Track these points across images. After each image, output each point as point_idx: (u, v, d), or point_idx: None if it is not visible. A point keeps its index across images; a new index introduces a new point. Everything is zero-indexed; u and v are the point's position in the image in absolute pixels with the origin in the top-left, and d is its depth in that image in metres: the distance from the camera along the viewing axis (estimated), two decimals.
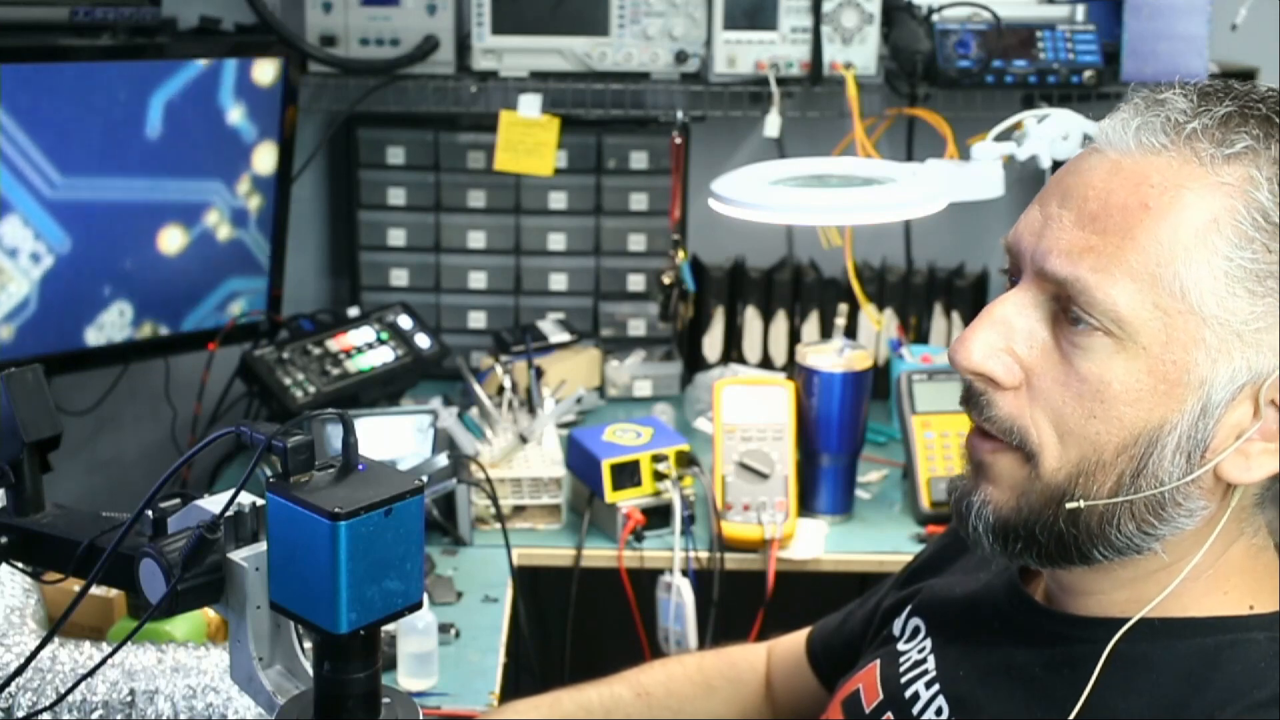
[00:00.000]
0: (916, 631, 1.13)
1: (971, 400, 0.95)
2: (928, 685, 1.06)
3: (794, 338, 2.47)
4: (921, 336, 2.47)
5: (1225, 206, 0.87)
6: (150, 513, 0.86)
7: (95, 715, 1.29)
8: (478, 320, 2.52)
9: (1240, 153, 0.87)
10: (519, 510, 1.99)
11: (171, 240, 2.19)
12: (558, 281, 2.51)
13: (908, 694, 1.07)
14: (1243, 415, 0.89)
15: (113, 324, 2.17)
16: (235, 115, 2.19)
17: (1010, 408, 0.93)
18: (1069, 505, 0.91)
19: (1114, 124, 0.92)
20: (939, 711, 1.03)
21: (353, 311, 2.35)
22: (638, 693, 1.35)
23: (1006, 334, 0.93)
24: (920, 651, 1.10)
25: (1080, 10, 2.32)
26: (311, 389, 2.17)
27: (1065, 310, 0.91)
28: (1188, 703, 0.90)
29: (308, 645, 0.85)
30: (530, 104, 2.31)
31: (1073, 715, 0.93)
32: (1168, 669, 0.92)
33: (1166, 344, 0.88)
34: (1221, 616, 0.94)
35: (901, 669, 1.10)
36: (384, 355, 2.27)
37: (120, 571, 0.88)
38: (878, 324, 2.43)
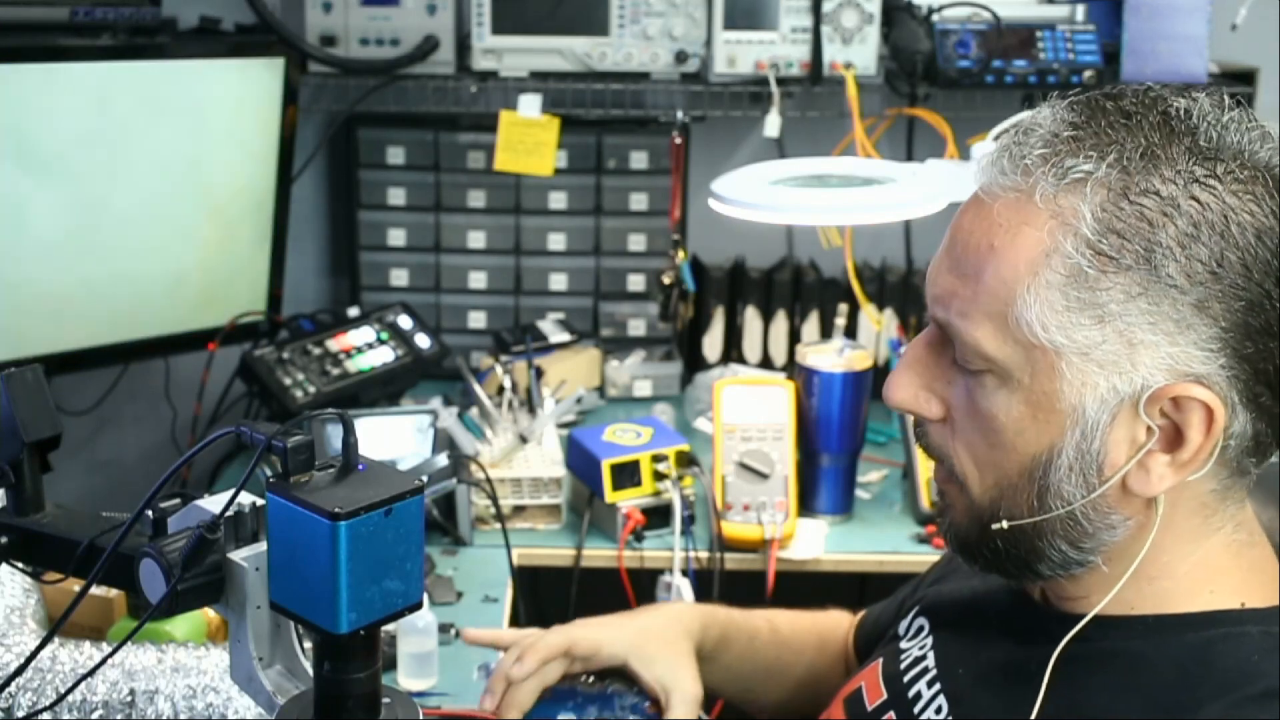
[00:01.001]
0: (920, 630, 1.14)
1: (915, 430, 1.02)
2: (929, 684, 1.06)
3: (794, 338, 2.46)
4: None
5: (1055, 242, 0.88)
6: (150, 513, 0.86)
7: (95, 715, 1.28)
8: (478, 320, 2.52)
9: (1075, 181, 0.88)
10: (519, 510, 1.99)
11: None
12: (558, 281, 2.51)
13: (910, 693, 1.08)
14: (1135, 431, 0.89)
15: None
16: None
17: (938, 438, 0.98)
18: (994, 527, 0.95)
19: (984, 159, 0.94)
20: (939, 710, 1.04)
21: (353, 311, 2.35)
22: (772, 628, 1.41)
23: (924, 373, 0.98)
24: (921, 649, 1.11)
25: (1080, 10, 2.32)
26: (311, 389, 2.16)
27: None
28: (1182, 698, 0.90)
29: (308, 645, 0.85)
30: (530, 104, 2.31)
31: (1033, 713, 0.94)
32: (1162, 664, 0.92)
33: (1033, 376, 0.90)
34: (1211, 611, 0.94)
35: (902, 666, 1.11)
36: (384, 355, 2.27)
37: (120, 571, 0.88)
38: (878, 324, 2.43)
